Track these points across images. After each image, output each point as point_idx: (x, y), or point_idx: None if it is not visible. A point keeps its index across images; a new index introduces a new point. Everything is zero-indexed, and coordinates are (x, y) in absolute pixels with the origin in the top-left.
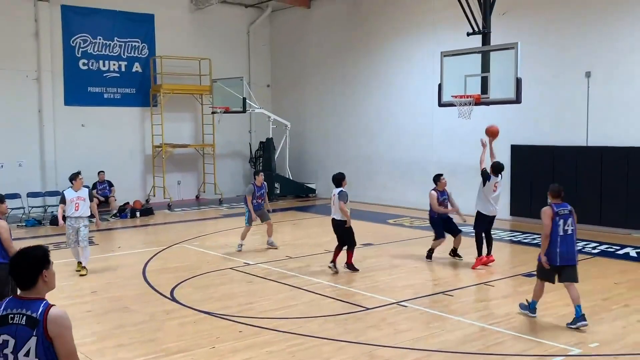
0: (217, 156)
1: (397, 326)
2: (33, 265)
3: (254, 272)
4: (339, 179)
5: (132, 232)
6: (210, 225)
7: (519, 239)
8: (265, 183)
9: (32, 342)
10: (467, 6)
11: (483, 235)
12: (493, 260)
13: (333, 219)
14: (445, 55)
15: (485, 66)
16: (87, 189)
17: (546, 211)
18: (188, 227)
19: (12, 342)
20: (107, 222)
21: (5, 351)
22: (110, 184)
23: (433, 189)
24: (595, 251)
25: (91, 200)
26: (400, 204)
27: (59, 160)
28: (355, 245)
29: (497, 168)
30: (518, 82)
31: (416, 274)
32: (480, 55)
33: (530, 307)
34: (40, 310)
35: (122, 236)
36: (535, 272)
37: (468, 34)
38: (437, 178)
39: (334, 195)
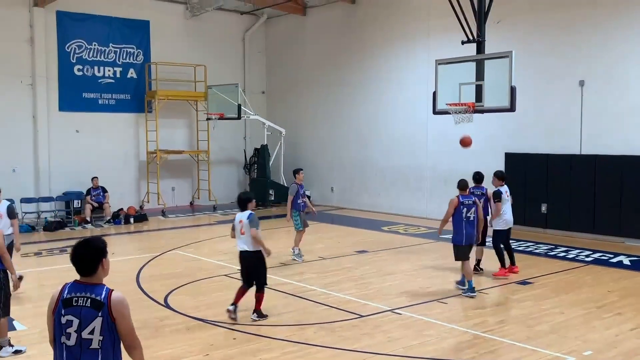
0: (212, 162)
1: (391, 334)
2: (95, 254)
3: None
4: (244, 200)
5: (126, 238)
6: (204, 231)
7: (512, 246)
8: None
9: (97, 322)
10: (462, 15)
11: (502, 247)
12: (517, 272)
13: (243, 252)
14: (439, 64)
15: (480, 74)
16: (7, 203)
17: (452, 201)
18: (182, 234)
19: (76, 321)
20: (101, 228)
21: (68, 330)
22: (104, 190)
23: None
24: (589, 259)
25: (12, 217)
26: (395, 211)
27: (52, 166)
28: (265, 285)
29: (502, 176)
30: (512, 90)
31: (410, 282)
32: (474, 63)
33: (469, 289)
34: (103, 294)
35: (116, 242)
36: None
37: (463, 43)
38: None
39: (241, 221)
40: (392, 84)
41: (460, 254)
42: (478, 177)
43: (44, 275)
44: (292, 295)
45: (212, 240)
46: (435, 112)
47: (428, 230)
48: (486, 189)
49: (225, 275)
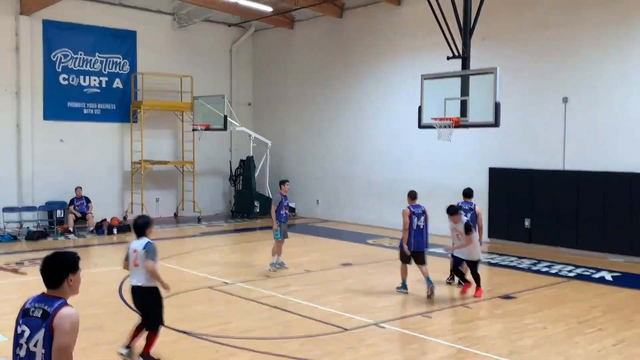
0: (197, 174)
1: (376, 348)
2: (62, 268)
3: (232, 292)
4: (142, 226)
5: (109, 249)
6: (188, 243)
7: (496, 261)
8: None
9: (40, 334)
10: (448, 31)
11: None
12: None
13: (135, 287)
14: (425, 78)
15: (465, 90)
16: None
17: (405, 211)
18: (166, 245)
19: (27, 332)
20: (84, 238)
21: (21, 341)
22: (88, 200)
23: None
24: (572, 274)
25: None
26: (380, 224)
27: (36, 175)
28: (161, 324)
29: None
30: (497, 106)
31: (395, 295)
32: (460, 79)
33: (402, 286)
34: (55, 306)
35: (99, 253)
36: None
37: (448, 58)
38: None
39: (136, 250)
40: (378, 98)
41: (404, 258)
42: (468, 192)
43: (26, 285)
44: (276, 308)
45: (196, 252)
46: (420, 126)
47: None
48: (474, 205)
49: (209, 287)
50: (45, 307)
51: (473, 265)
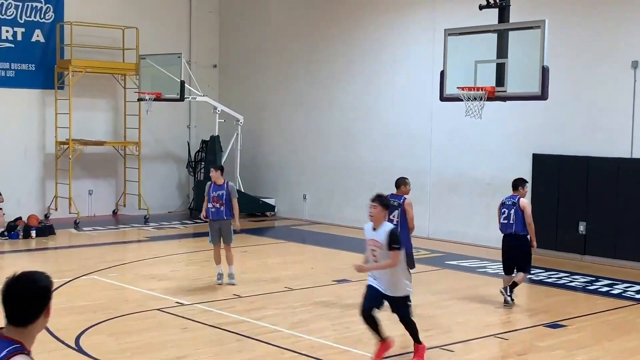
0: (144, 158)
1: None
2: (40, 297)
3: (189, 315)
4: None
5: (25, 257)
6: (131, 251)
7: (540, 277)
8: (230, 183)
9: None
10: None
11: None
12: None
13: None
14: (450, 34)
15: (502, 50)
16: None
17: None
18: (101, 253)
19: None
20: None
21: None
22: None
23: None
24: None
25: None
26: None
27: None
28: None
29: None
30: (544, 72)
31: None
32: (495, 35)
33: None
34: (3, 353)
35: (12, 263)
36: None
37: (480, 7)
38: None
39: None
40: (386, 62)
41: None
42: (516, 183)
43: None
44: (247, 337)
45: (142, 263)
46: (443, 99)
47: (430, 255)
48: (518, 197)
49: (157, 309)
50: None
51: (400, 304)
